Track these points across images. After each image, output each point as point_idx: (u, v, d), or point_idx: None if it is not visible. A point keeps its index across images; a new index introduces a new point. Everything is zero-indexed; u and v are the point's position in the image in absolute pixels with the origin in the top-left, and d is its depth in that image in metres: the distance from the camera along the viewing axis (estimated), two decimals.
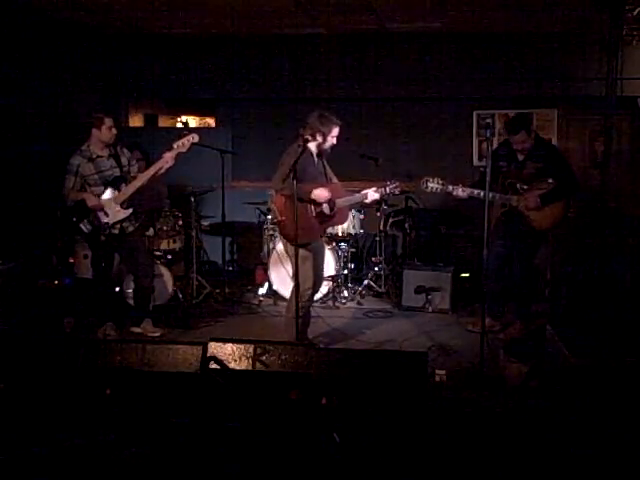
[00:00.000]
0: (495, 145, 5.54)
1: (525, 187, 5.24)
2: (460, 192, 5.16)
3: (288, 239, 4.82)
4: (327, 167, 5.08)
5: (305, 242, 4.68)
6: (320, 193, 4.78)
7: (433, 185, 5.12)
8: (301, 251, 4.58)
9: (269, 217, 6.65)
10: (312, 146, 4.87)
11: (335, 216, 4.97)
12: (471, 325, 5.64)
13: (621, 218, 6.88)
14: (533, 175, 5.26)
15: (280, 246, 5.92)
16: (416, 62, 7.74)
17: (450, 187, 5.15)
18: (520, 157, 5.34)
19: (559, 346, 5.06)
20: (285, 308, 5.14)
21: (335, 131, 4.87)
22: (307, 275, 4.81)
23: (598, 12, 6.07)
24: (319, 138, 4.83)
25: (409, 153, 7.88)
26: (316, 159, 4.96)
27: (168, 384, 3.67)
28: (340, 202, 4.92)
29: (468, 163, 7.88)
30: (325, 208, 4.88)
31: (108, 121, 5.19)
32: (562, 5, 6.22)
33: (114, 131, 5.22)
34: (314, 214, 4.85)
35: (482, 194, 4.86)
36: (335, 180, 5.13)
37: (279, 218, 4.81)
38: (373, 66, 7.83)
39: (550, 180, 5.22)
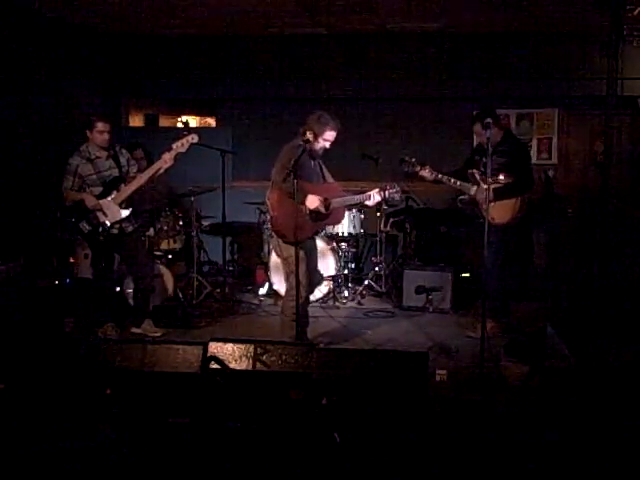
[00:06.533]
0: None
1: (483, 178, 5.25)
2: (426, 173, 5.34)
3: (279, 235, 4.81)
4: (323, 167, 5.06)
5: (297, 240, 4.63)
6: (312, 200, 4.74)
7: (406, 163, 5.36)
8: (292, 250, 4.56)
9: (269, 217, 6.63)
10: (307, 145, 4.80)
11: (330, 215, 4.93)
12: (473, 333, 5.36)
13: (621, 218, 6.88)
14: (495, 170, 5.22)
15: (273, 254, 5.82)
16: (416, 62, 7.74)
17: (418, 167, 5.36)
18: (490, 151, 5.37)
19: (559, 346, 5.08)
20: (280, 311, 5.07)
21: (328, 134, 4.80)
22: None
23: (598, 12, 6.08)
24: (309, 136, 4.76)
25: (409, 153, 7.84)
26: (312, 159, 4.91)
27: (168, 384, 3.67)
28: (335, 202, 4.89)
29: None
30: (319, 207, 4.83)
31: (100, 125, 5.13)
32: (562, 5, 6.22)
33: (106, 136, 5.15)
34: (307, 212, 4.79)
35: (445, 178, 5.33)
36: (331, 180, 5.10)
37: (272, 213, 4.82)
38: (373, 66, 7.83)
39: (508, 176, 5.21)
